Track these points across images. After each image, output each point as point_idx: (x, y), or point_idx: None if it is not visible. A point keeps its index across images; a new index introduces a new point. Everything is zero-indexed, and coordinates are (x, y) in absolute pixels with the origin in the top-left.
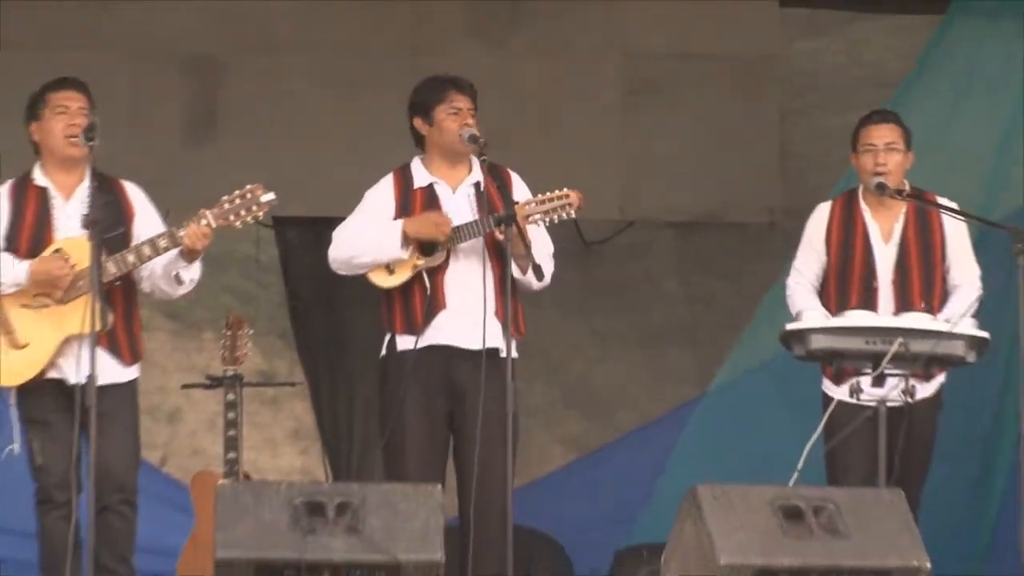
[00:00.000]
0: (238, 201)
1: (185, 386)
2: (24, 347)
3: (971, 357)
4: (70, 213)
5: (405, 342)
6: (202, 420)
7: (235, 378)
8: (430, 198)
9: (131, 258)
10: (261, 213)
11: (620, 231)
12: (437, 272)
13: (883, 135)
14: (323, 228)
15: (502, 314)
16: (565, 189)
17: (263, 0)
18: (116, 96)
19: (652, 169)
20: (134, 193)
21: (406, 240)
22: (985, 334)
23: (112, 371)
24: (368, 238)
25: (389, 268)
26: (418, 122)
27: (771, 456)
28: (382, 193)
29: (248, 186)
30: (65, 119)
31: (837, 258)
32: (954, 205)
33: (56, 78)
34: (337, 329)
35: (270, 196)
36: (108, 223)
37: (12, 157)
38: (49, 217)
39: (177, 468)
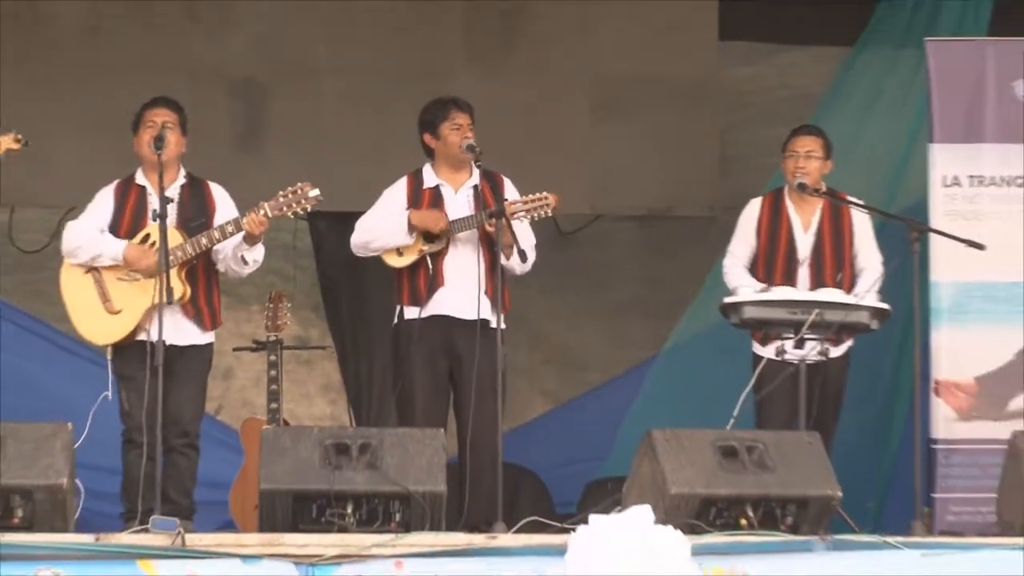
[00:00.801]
0: (291, 195)
1: (236, 349)
2: (118, 313)
3: (874, 325)
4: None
5: (411, 312)
6: (250, 377)
7: (276, 343)
8: (436, 197)
9: (204, 240)
10: (309, 206)
11: (589, 223)
12: (439, 256)
13: (805, 144)
14: (348, 220)
15: (491, 292)
16: (544, 192)
17: (297, 34)
18: None
19: (615, 172)
20: (217, 191)
21: (411, 228)
22: (886, 306)
23: (193, 335)
24: (382, 227)
25: (399, 252)
26: (427, 137)
27: (711, 405)
28: (397, 192)
29: (299, 183)
30: (151, 132)
31: (765, 244)
32: (861, 201)
33: (152, 98)
34: (359, 303)
35: (316, 192)
36: (191, 215)
37: (109, 159)
38: (145, 209)
39: (229, 416)
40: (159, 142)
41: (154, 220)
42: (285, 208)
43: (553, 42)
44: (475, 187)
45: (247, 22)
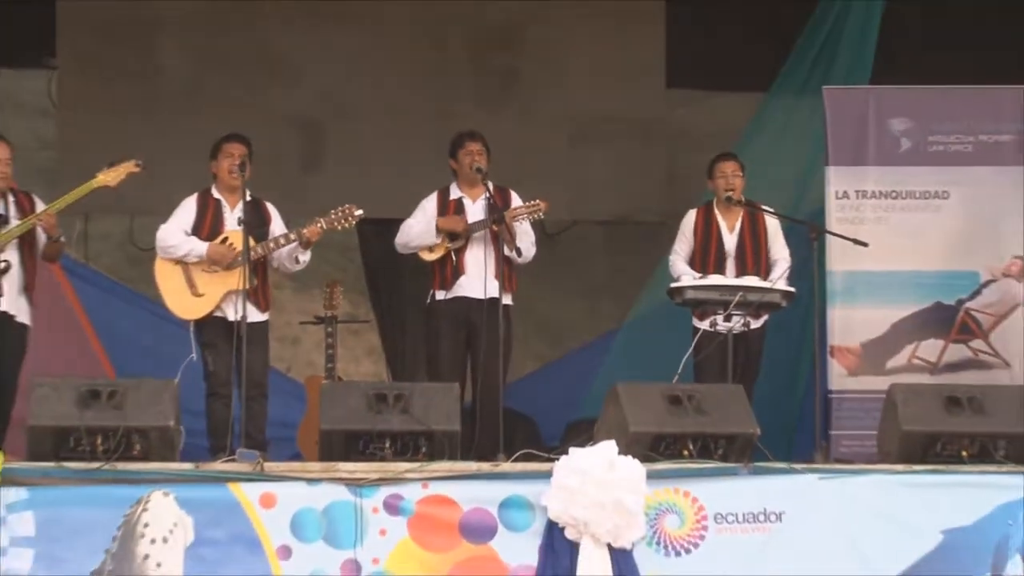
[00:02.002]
0: (340, 213)
1: (302, 322)
2: (201, 296)
3: (784, 303)
4: (233, 217)
5: (440, 295)
6: (313, 343)
7: (332, 318)
8: (459, 206)
9: (272, 245)
10: (354, 222)
11: (569, 227)
12: (460, 252)
13: (731, 168)
14: (385, 224)
15: (499, 276)
16: (538, 200)
17: (347, 86)
18: (255, 146)
19: (588, 187)
20: (271, 207)
21: (438, 231)
22: (793, 289)
23: (256, 313)
24: (418, 230)
25: (431, 249)
26: (451, 162)
27: (661, 365)
28: (431, 202)
29: (347, 205)
30: (229, 161)
31: (700, 243)
32: (773, 209)
33: (227, 134)
34: (394, 288)
35: (360, 211)
36: (255, 224)
37: (207, 178)
38: (221, 218)
39: (297, 373)
40: (242, 167)
41: (238, 226)
42: (335, 223)
43: (539, 90)
44: (488, 198)
45: (309, 78)
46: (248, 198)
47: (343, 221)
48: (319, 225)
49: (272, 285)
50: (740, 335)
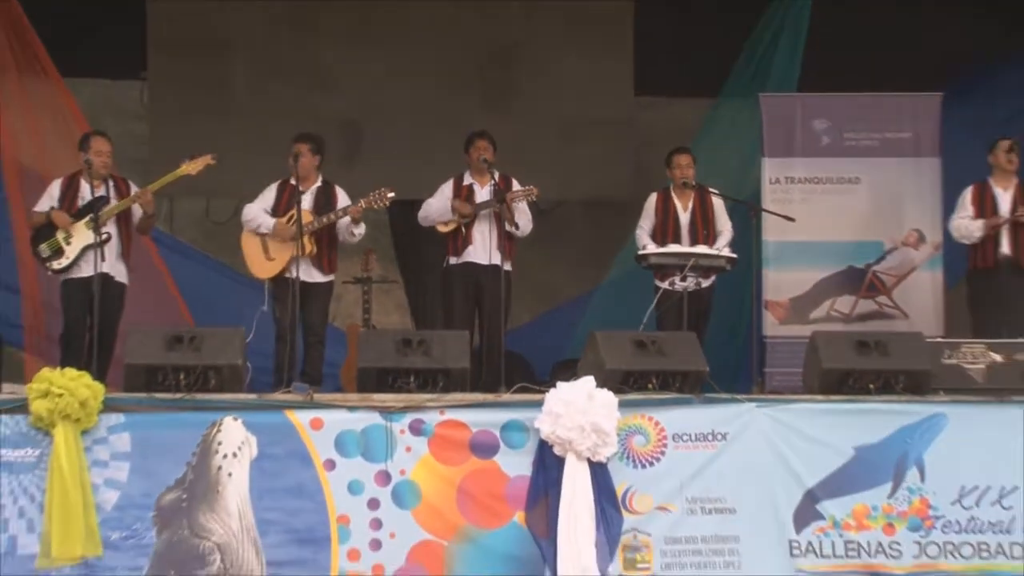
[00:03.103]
0: (376, 195)
1: (344, 282)
2: (273, 260)
3: (729, 267)
4: (303, 198)
5: (452, 260)
6: (353, 299)
7: (368, 279)
8: (470, 190)
9: (325, 219)
10: (388, 203)
11: (557, 205)
12: (469, 225)
13: (686, 159)
14: (410, 204)
15: (500, 247)
16: (531, 186)
17: (379, 94)
18: None
19: (573, 175)
20: (339, 191)
21: (453, 211)
22: (735, 255)
23: (318, 275)
24: (436, 208)
25: (445, 223)
26: (465, 156)
27: (630, 316)
28: (448, 186)
29: (381, 188)
30: (294, 155)
31: (660, 220)
32: (718, 192)
33: (297, 134)
34: (417, 255)
35: (392, 193)
36: (323, 203)
37: (268, 169)
38: (294, 199)
39: (340, 323)
40: (295, 159)
41: (303, 206)
42: (373, 202)
43: (536, 97)
44: (494, 184)
45: (349, 86)
46: (320, 183)
47: (379, 201)
48: (360, 204)
49: None
50: (693, 292)
